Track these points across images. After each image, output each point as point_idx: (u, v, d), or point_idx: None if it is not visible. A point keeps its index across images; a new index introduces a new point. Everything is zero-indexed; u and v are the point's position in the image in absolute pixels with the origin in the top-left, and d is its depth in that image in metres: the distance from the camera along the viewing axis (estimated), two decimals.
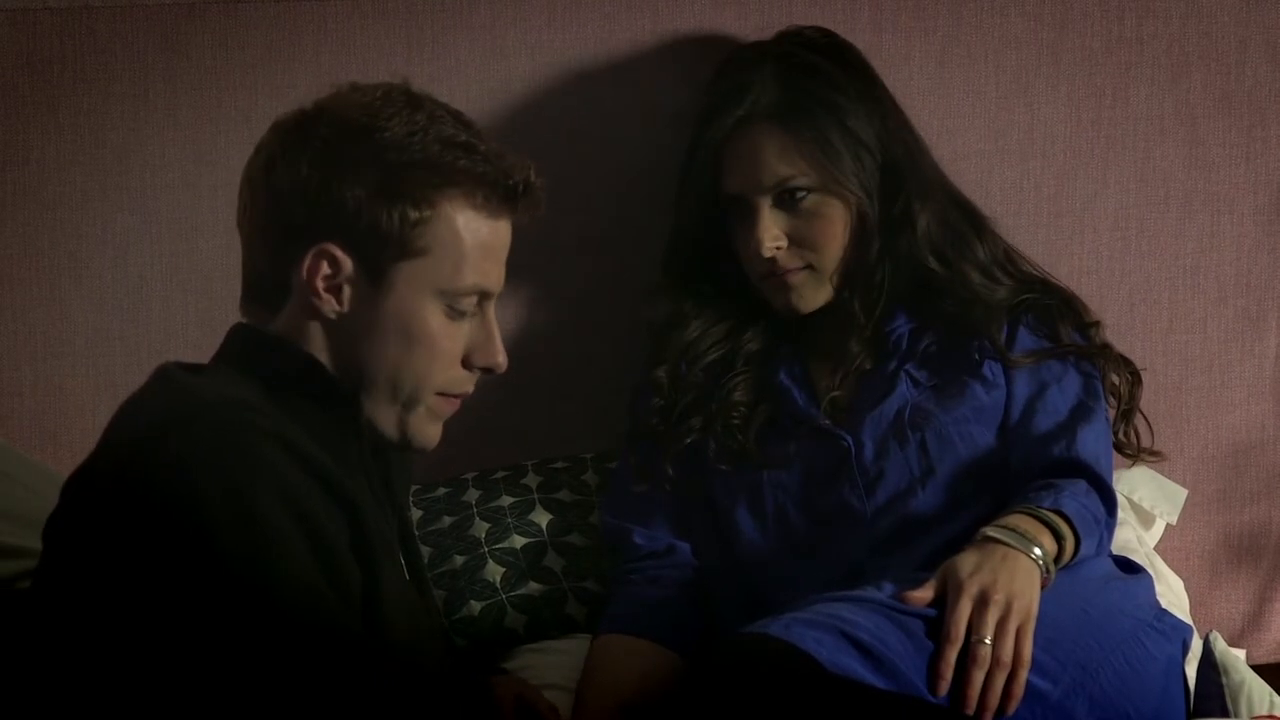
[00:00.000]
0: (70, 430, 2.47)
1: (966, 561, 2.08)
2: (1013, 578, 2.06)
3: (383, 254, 1.87)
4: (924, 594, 2.07)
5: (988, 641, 2.02)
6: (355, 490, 1.83)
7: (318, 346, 1.90)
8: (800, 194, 2.30)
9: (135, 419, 1.82)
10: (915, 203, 2.32)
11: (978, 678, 2.02)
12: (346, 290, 1.88)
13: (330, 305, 1.88)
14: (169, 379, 1.88)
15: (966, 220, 2.39)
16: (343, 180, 1.86)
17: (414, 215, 1.87)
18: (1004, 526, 2.12)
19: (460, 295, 1.90)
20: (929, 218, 2.33)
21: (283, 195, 1.88)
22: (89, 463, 1.81)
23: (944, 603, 2.06)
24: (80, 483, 1.80)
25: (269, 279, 1.91)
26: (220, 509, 1.70)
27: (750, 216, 2.31)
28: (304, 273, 1.87)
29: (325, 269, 1.87)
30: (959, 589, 2.05)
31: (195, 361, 1.93)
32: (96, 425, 1.86)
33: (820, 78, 2.31)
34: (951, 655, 2.02)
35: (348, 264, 1.87)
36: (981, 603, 2.04)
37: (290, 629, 1.70)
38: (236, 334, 1.94)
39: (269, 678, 1.69)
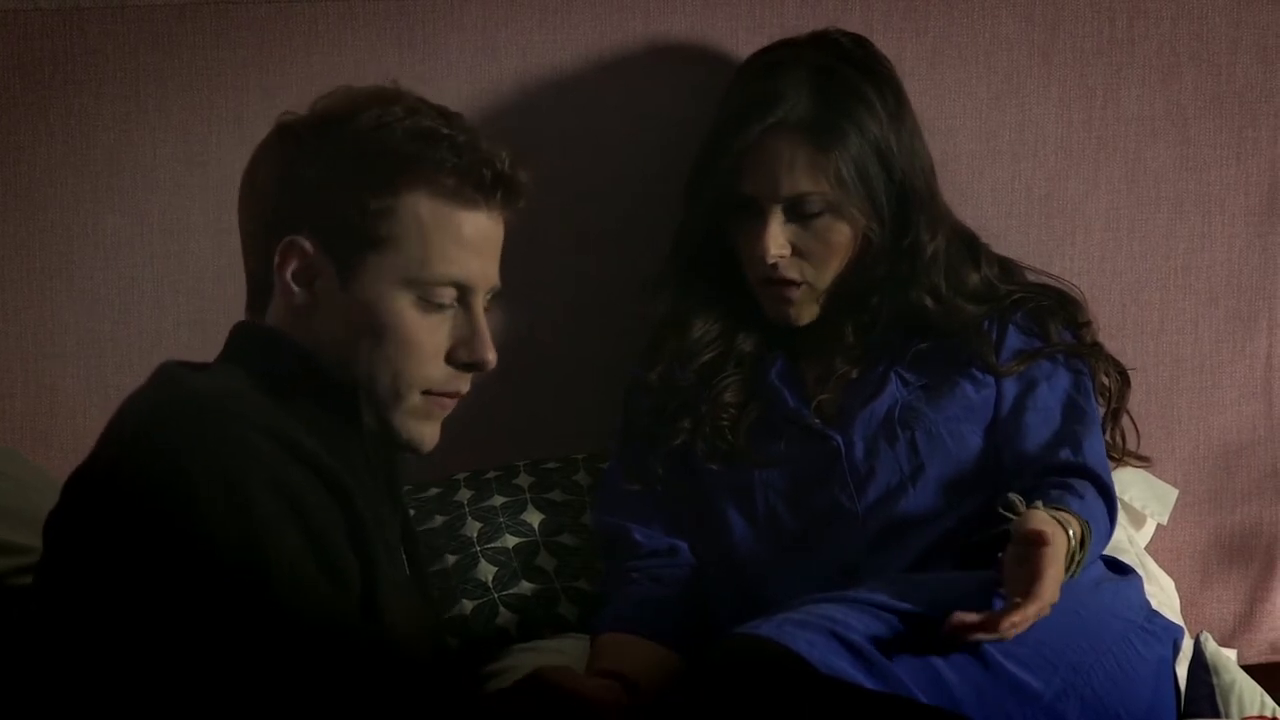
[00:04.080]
0: (61, 431, 2.47)
1: (1056, 574, 2.02)
2: (1055, 592, 2.03)
3: (347, 244, 1.87)
4: (974, 619, 2.01)
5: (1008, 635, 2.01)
6: (349, 480, 1.83)
7: (302, 340, 1.90)
8: (814, 209, 2.29)
9: (131, 415, 1.83)
10: (925, 235, 2.31)
11: (976, 635, 2.00)
12: (317, 282, 1.88)
13: (301, 297, 1.88)
14: (167, 376, 1.88)
15: (965, 248, 2.38)
16: (308, 170, 1.87)
17: (374, 204, 1.86)
18: (1081, 539, 2.09)
19: (430, 286, 1.89)
20: (934, 251, 2.32)
21: (258, 190, 1.89)
22: (88, 461, 1.82)
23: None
24: (78, 480, 1.81)
25: (259, 278, 1.92)
26: (212, 500, 1.71)
27: (760, 220, 2.30)
28: (275, 265, 1.88)
29: (295, 261, 1.88)
30: (1038, 598, 1.99)
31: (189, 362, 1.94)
32: (88, 426, 1.86)
33: (856, 98, 2.30)
34: (974, 620, 1.99)
35: (315, 255, 1.87)
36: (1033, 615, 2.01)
37: (283, 617, 1.71)
38: (235, 331, 1.95)
39: (262, 665, 1.70)
